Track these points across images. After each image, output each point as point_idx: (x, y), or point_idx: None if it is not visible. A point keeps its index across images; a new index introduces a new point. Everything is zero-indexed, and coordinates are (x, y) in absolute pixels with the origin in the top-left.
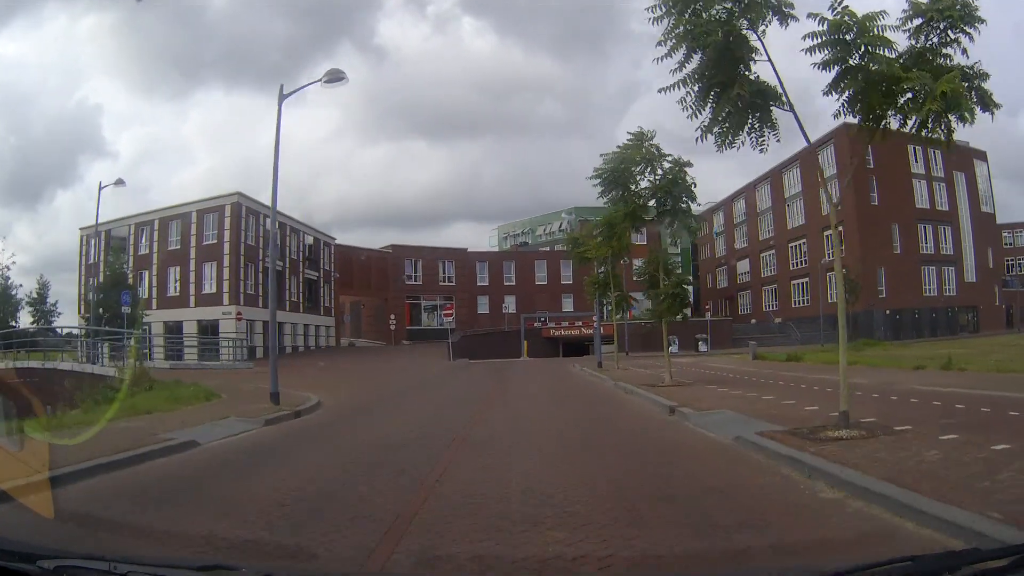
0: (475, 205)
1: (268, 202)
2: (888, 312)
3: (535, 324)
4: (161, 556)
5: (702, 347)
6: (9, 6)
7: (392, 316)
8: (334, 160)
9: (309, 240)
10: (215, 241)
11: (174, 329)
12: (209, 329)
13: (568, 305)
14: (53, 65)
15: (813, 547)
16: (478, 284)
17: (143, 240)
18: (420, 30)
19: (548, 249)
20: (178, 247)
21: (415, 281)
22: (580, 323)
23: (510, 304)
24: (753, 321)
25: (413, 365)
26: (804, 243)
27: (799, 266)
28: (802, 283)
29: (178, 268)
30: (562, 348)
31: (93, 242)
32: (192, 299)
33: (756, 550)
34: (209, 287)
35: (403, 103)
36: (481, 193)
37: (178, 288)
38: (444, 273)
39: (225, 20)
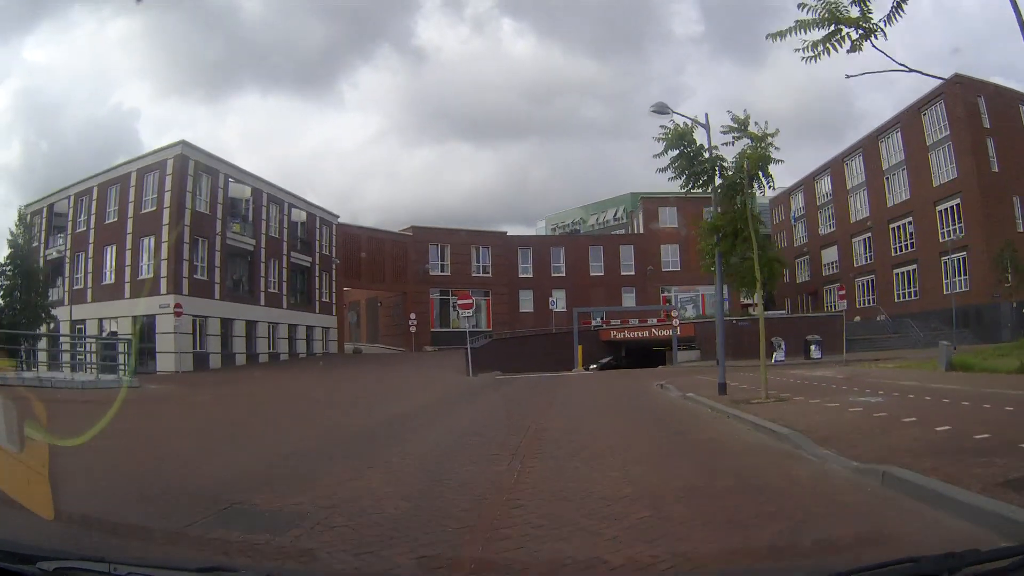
0: (522, 209)
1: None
2: (1015, 304)
3: (592, 324)
4: (161, 557)
5: (815, 352)
6: (35, 10)
7: (412, 315)
8: (377, 164)
9: (301, 216)
10: (154, 208)
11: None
12: (146, 328)
13: (629, 301)
14: (85, 70)
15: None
16: (520, 276)
17: (81, 215)
18: (459, 32)
19: (605, 233)
20: (115, 219)
21: (442, 271)
22: (655, 320)
23: (559, 300)
24: (858, 318)
25: (402, 385)
26: (910, 222)
27: (904, 251)
28: (908, 271)
29: (114, 247)
30: (625, 355)
31: (37, 221)
32: (127, 288)
33: None
34: (147, 270)
35: (445, 105)
36: (527, 197)
37: (113, 274)
38: (478, 262)
39: (260, 22)
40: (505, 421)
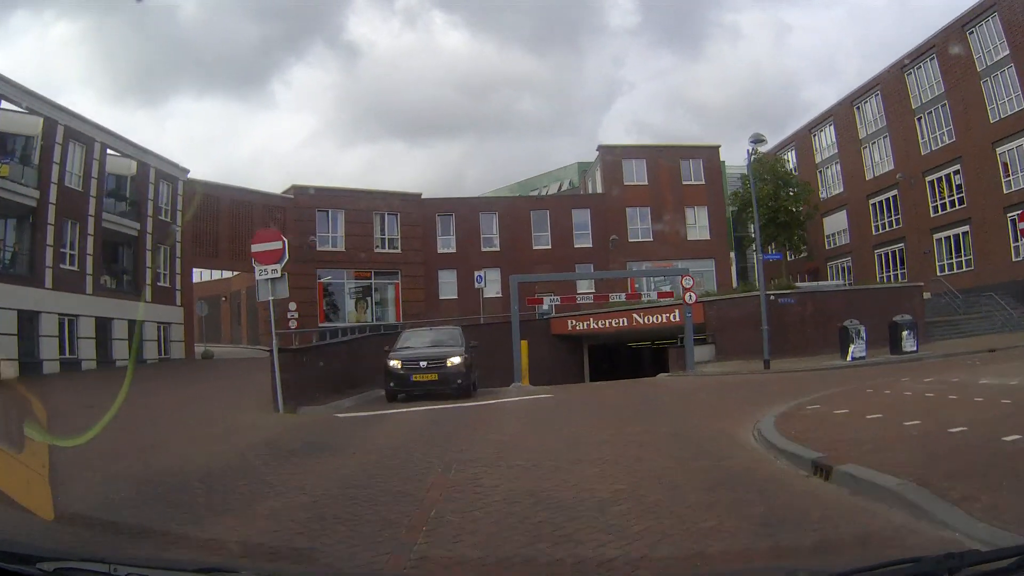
0: None
1: None
2: None
3: (542, 307)
4: (161, 558)
5: (909, 342)
6: None
7: (292, 306)
8: (312, 165)
9: (126, 167)
10: None
11: None
12: None
13: (585, 281)
14: (28, 78)
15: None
16: (440, 251)
17: None
18: (390, 26)
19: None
20: None
21: (334, 246)
22: (654, 295)
23: (493, 280)
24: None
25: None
26: (956, 171)
27: (948, 208)
28: (956, 235)
29: None
30: (588, 355)
31: None
32: None
33: None
34: None
35: (379, 103)
36: (464, 194)
37: None
38: (383, 234)
39: (194, 22)
40: None
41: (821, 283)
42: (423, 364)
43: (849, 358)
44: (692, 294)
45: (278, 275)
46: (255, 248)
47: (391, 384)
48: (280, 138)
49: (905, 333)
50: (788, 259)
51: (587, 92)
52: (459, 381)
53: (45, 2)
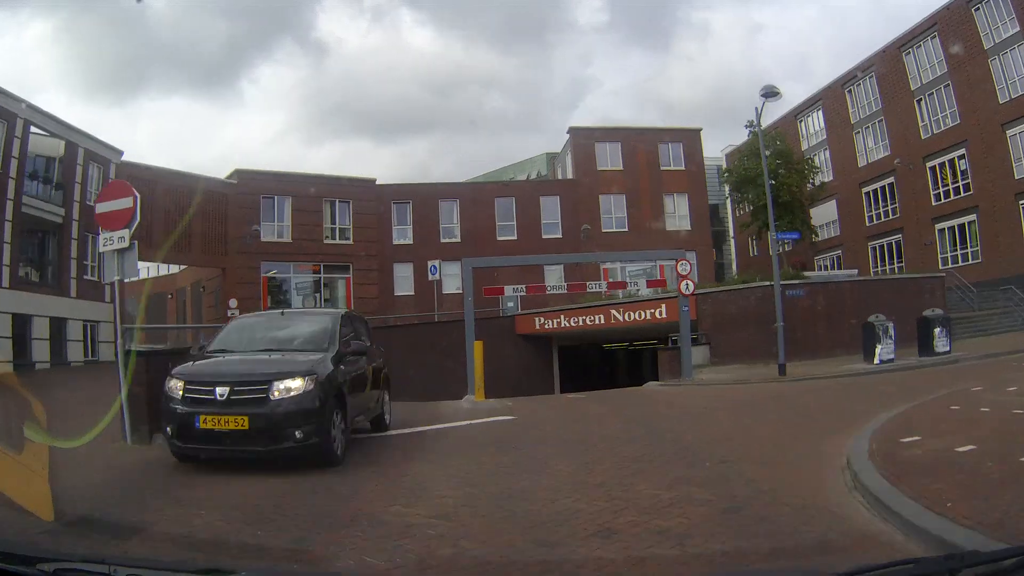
0: None
1: None
2: None
3: (506, 302)
4: (161, 559)
5: (942, 341)
6: None
7: (233, 302)
8: (279, 162)
9: (52, 147)
10: None
11: None
12: None
13: (555, 273)
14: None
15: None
16: (396, 242)
17: None
18: (358, 24)
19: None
20: None
21: (279, 236)
22: (640, 288)
23: (453, 275)
24: None
25: None
26: (962, 156)
27: (951, 196)
28: (960, 224)
29: None
30: (558, 359)
31: None
32: None
33: None
34: None
35: (346, 100)
36: None
37: None
38: (333, 223)
39: (164, 21)
40: None
41: (834, 272)
42: (220, 394)
43: (876, 360)
44: (690, 282)
45: (126, 244)
46: (99, 208)
47: (167, 429)
48: (248, 136)
49: (937, 331)
50: (785, 249)
51: (555, 90)
52: (297, 434)
53: (18, 1)
